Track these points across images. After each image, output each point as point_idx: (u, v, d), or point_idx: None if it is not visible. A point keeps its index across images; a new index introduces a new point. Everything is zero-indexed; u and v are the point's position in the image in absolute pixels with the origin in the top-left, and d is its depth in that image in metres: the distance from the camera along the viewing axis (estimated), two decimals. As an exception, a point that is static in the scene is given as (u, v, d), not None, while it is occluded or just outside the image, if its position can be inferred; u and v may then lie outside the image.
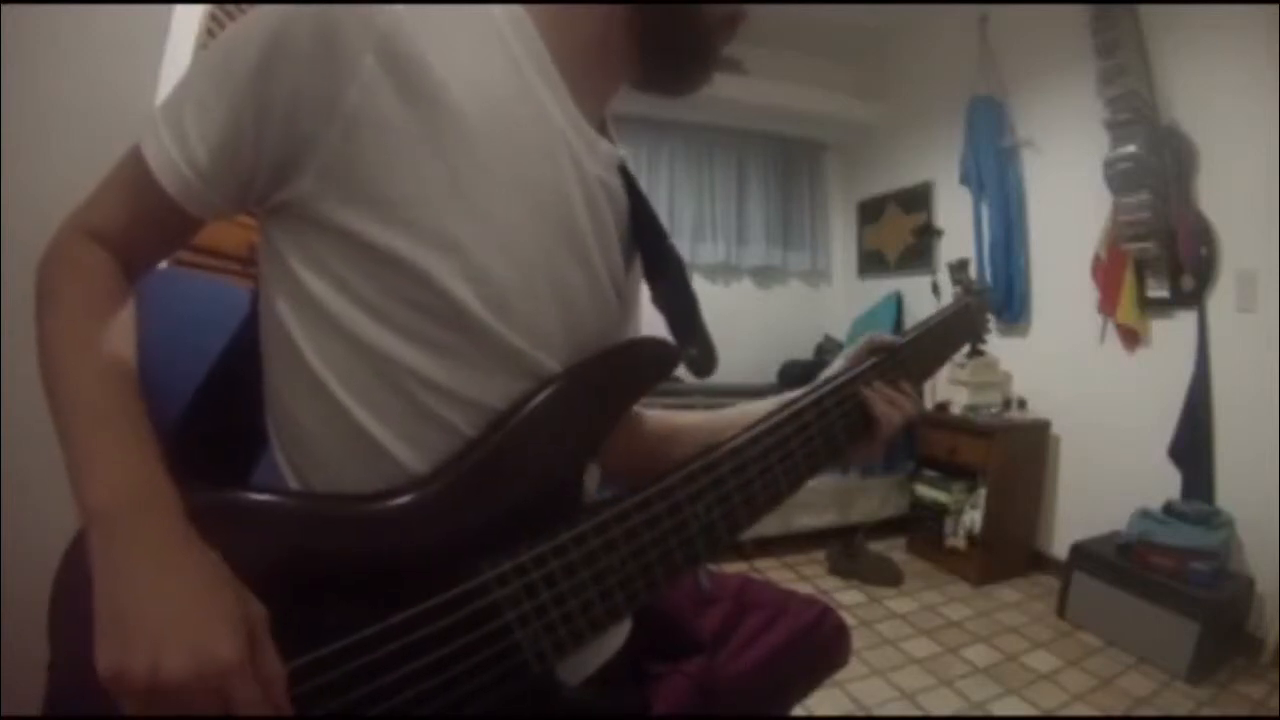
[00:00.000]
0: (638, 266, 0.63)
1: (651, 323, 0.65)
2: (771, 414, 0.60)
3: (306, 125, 0.43)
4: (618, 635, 0.62)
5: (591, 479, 0.62)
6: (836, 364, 0.71)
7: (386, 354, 0.47)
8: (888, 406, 0.65)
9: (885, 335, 0.70)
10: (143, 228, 0.49)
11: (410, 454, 0.48)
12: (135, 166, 0.47)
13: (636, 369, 0.57)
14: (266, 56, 0.43)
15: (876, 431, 0.65)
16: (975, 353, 0.85)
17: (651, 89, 0.58)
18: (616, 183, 0.58)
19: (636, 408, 0.74)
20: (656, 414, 0.74)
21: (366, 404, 0.48)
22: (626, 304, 0.62)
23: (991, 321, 0.88)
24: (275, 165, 0.45)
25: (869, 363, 0.66)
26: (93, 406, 0.44)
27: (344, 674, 0.43)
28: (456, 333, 0.47)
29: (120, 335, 0.48)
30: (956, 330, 0.79)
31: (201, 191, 0.47)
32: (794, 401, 0.61)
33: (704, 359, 0.60)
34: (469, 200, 0.46)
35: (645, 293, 0.66)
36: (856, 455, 0.67)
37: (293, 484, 0.51)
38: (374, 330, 0.46)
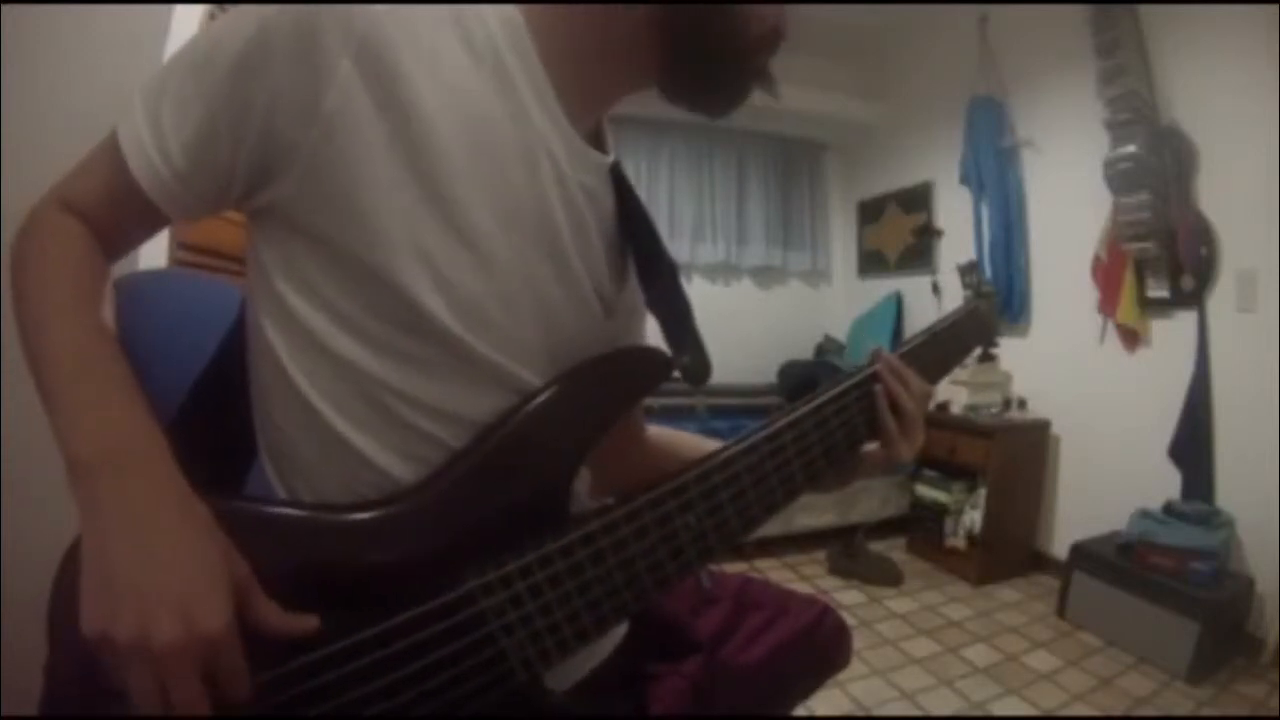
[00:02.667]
0: (634, 273, 0.63)
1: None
2: (768, 423, 0.58)
3: (284, 129, 0.43)
4: (611, 638, 0.62)
5: (582, 483, 0.62)
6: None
7: (363, 368, 0.46)
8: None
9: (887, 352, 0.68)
10: (118, 212, 0.49)
11: (396, 464, 0.48)
12: (113, 151, 0.47)
13: (628, 377, 0.57)
14: (246, 57, 0.42)
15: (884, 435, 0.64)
16: (986, 356, 0.83)
17: (686, 106, 0.57)
18: (604, 188, 0.57)
19: (651, 428, 0.74)
20: (658, 429, 0.74)
21: (347, 416, 0.47)
22: (616, 312, 0.61)
23: (1000, 325, 0.87)
24: (253, 168, 0.45)
25: (870, 370, 0.64)
26: (76, 359, 0.43)
27: (327, 681, 0.43)
28: (430, 346, 0.47)
29: (99, 297, 0.47)
30: (966, 334, 0.77)
31: (177, 191, 0.46)
32: (791, 410, 0.60)
33: (697, 366, 0.59)
34: (442, 212, 0.45)
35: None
36: (867, 465, 0.65)
37: (280, 492, 0.51)
38: (349, 344, 0.46)
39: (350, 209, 0.44)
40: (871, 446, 0.65)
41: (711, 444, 0.65)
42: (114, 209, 0.49)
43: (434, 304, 0.46)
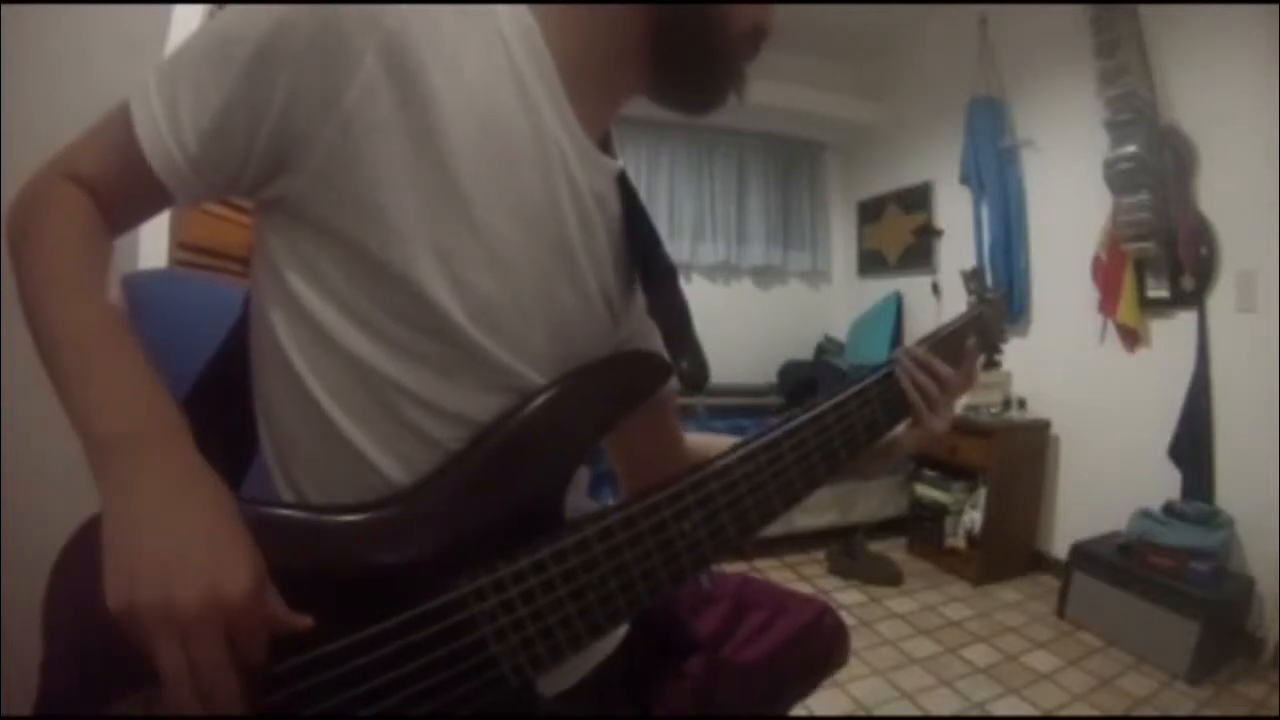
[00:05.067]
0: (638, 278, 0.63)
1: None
2: (765, 430, 0.58)
3: (303, 122, 0.43)
4: (612, 638, 0.62)
5: (581, 478, 0.62)
6: None
7: (372, 365, 0.46)
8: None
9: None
10: (126, 191, 0.48)
11: (393, 466, 0.48)
12: (124, 130, 0.46)
13: (627, 382, 0.57)
14: (268, 48, 0.42)
15: (892, 446, 0.66)
16: (991, 364, 0.81)
17: (668, 105, 0.57)
18: (613, 194, 0.57)
19: (691, 436, 0.74)
20: (697, 436, 0.74)
21: (352, 414, 0.47)
22: (623, 316, 0.61)
23: (1006, 331, 0.83)
24: (267, 159, 0.45)
25: (873, 378, 0.64)
26: (88, 336, 0.43)
27: (320, 682, 0.43)
28: (441, 345, 0.47)
29: (107, 271, 0.47)
30: (970, 340, 0.74)
31: (189, 177, 0.46)
32: (790, 418, 0.59)
33: (695, 372, 0.59)
34: (459, 212, 0.46)
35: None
36: (903, 446, 0.67)
37: (282, 489, 0.51)
38: (359, 340, 0.46)
39: (367, 204, 0.44)
40: (900, 429, 0.66)
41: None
42: (122, 187, 0.48)
43: (449, 303, 0.46)
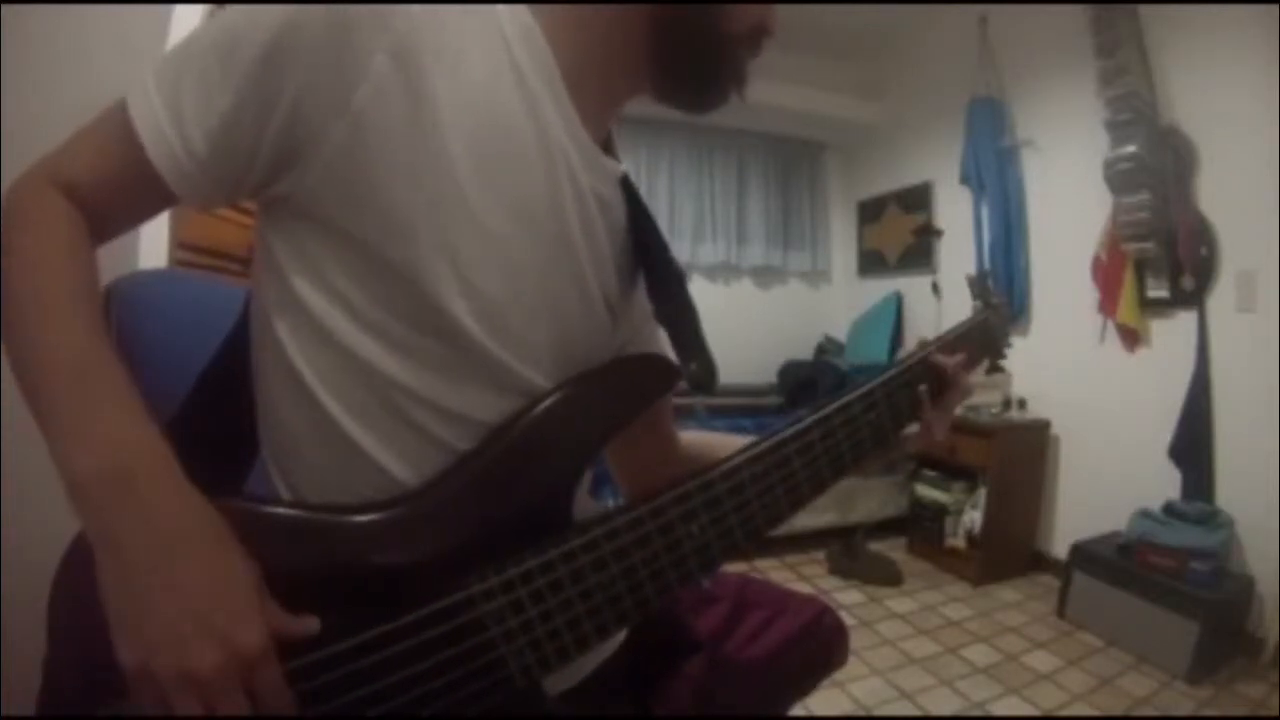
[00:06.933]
0: (643, 281, 0.62)
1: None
2: (774, 432, 0.57)
3: (312, 121, 0.43)
4: (613, 639, 0.62)
5: (583, 482, 0.62)
6: None
7: (375, 366, 0.46)
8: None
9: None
10: (125, 194, 0.47)
11: (399, 466, 0.48)
12: (122, 130, 0.44)
13: (634, 384, 0.57)
14: (276, 47, 0.42)
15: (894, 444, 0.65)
16: (994, 369, 0.80)
17: (670, 103, 0.57)
18: (616, 197, 0.57)
19: (687, 434, 0.74)
20: (693, 435, 0.74)
21: (355, 414, 0.47)
22: (622, 319, 0.61)
23: (1009, 336, 0.82)
24: (275, 157, 0.44)
25: (877, 380, 0.63)
26: (71, 366, 0.41)
27: (327, 682, 0.43)
28: (445, 346, 0.47)
29: (90, 292, 0.45)
30: (974, 346, 0.74)
31: (196, 178, 0.45)
32: (797, 421, 0.59)
33: (704, 374, 0.58)
34: (464, 213, 0.46)
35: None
36: (902, 448, 0.67)
37: (283, 491, 0.51)
38: (362, 340, 0.46)
39: (373, 203, 0.44)
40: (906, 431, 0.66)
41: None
42: (120, 191, 0.47)
43: (455, 304, 0.46)
